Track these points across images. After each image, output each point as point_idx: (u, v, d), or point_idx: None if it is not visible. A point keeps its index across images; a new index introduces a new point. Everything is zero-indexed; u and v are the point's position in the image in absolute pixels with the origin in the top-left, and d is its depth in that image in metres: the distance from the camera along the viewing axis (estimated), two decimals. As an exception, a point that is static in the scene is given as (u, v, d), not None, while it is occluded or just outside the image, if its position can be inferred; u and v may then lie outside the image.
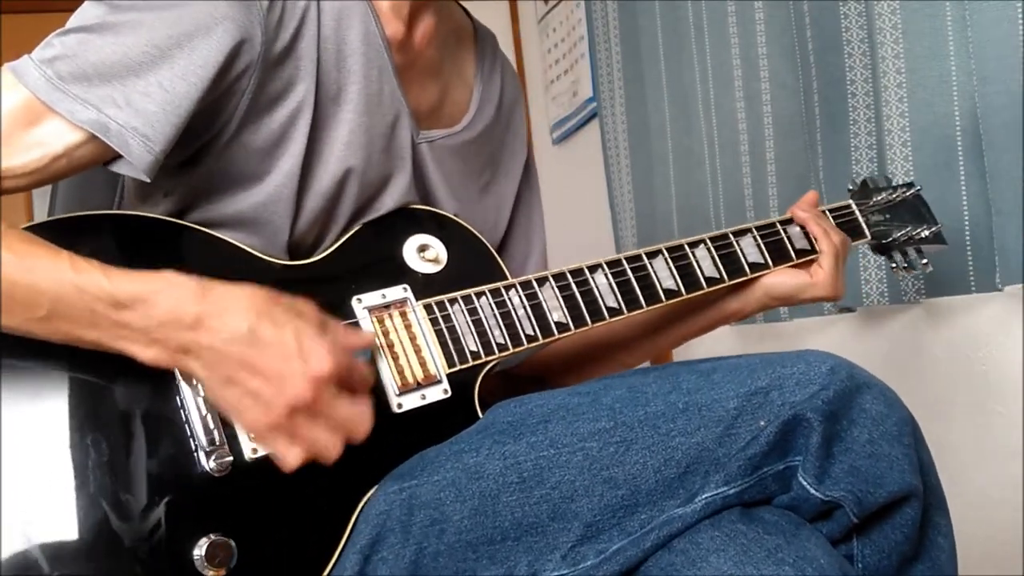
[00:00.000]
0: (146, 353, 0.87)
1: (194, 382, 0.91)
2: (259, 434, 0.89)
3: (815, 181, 1.93)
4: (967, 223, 1.59)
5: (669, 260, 1.17)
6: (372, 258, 1.09)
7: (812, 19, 1.90)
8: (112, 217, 1.01)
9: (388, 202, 1.12)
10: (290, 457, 0.87)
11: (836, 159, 1.87)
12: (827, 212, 1.31)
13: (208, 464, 0.91)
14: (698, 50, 2.31)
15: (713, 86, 2.26)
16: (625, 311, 1.13)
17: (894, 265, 1.36)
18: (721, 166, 2.25)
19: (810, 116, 1.92)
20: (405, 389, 1.01)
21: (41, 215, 0.97)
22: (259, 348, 0.86)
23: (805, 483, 0.92)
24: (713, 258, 1.20)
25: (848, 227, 1.31)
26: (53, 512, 0.86)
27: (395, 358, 1.02)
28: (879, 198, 1.37)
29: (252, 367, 0.86)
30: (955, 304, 1.72)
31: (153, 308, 0.86)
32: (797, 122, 2.01)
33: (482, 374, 1.06)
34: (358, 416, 0.89)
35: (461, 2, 1.29)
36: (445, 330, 1.05)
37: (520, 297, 1.09)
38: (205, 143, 1.02)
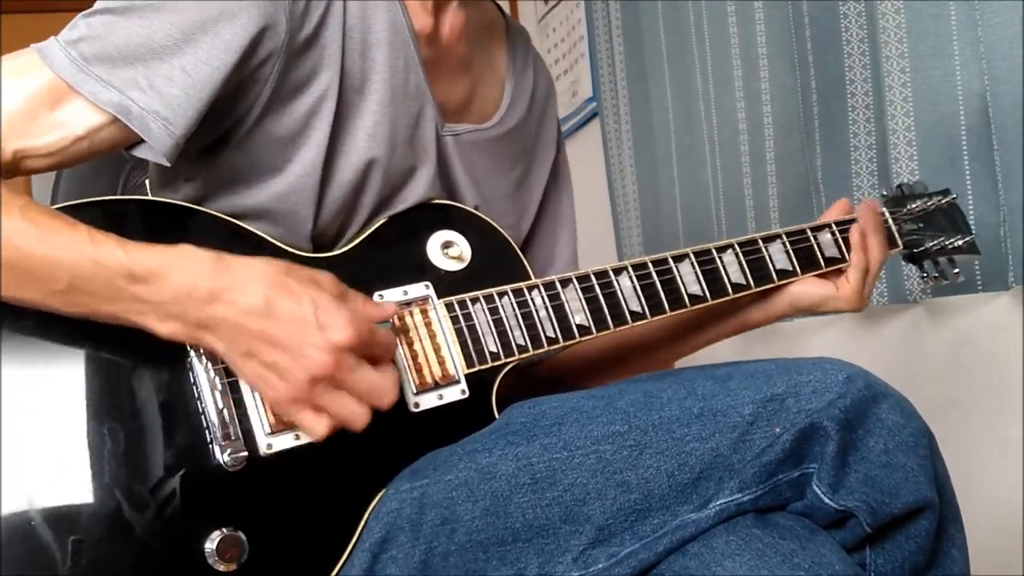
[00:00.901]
0: (163, 327, 0.87)
1: (210, 374, 0.92)
2: (283, 407, 0.90)
3: (813, 180, 1.94)
4: (973, 223, 1.59)
5: (696, 264, 1.15)
6: (395, 253, 1.08)
7: (811, 19, 1.90)
8: (132, 202, 1.01)
9: (412, 194, 1.11)
10: (317, 427, 0.89)
11: (835, 159, 1.88)
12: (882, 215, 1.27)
13: (223, 458, 0.91)
14: (699, 50, 2.32)
15: (714, 85, 2.26)
16: (648, 315, 1.12)
17: (924, 275, 1.33)
18: (722, 165, 2.25)
19: (808, 116, 1.93)
20: (423, 388, 1.01)
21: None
22: (276, 320, 0.86)
23: (819, 492, 0.91)
24: (741, 264, 1.18)
25: None
26: (67, 500, 0.86)
27: (414, 356, 1.02)
28: (913, 206, 1.33)
29: (270, 339, 0.86)
30: (955, 304, 1.73)
31: (168, 282, 0.86)
32: (796, 122, 2.01)
33: (500, 375, 1.05)
34: (382, 383, 0.90)
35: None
36: (465, 329, 1.04)
37: (543, 298, 1.08)
38: (227, 130, 1.02)
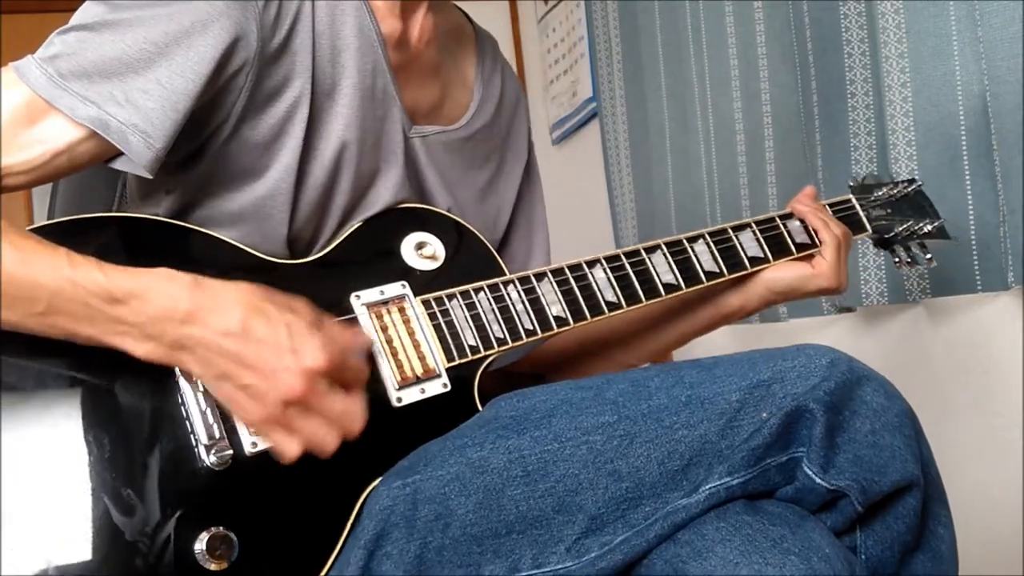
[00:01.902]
0: (141, 348, 0.88)
1: (193, 377, 0.92)
2: (255, 427, 0.91)
3: (814, 181, 1.94)
4: (972, 222, 1.59)
5: (668, 255, 1.17)
6: (370, 255, 1.09)
7: (811, 19, 1.91)
8: (111, 220, 1.02)
9: (382, 195, 1.13)
10: (288, 449, 0.89)
11: (835, 159, 1.88)
12: (827, 206, 1.31)
13: (208, 458, 0.91)
14: (696, 50, 2.32)
15: (711, 86, 2.27)
16: (624, 305, 1.13)
17: (897, 260, 1.36)
18: (719, 166, 2.25)
19: (809, 116, 1.93)
20: (404, 383, 1.02)
21: (41, 216, 0.98)
22: (251, 343, 0.87)
23: (810, 473, 0.92)
24: (712, 252, 1.20)
25: (849, 221, 1.30)
26: (55, 507, 0.86)
27: (394, 353, 1.02)
28: (880, 193, 1.37)
29: (244, 362, 0.87)
30: (955, 304, 1.73)
31: (146, 303, 0.86)
32: (796, 122, 2.01)
33: (481, 368, 1.06)
34: (352, 410, 0.90)
35: (461, 2, 1.29)
36: (443, 324, 1.05)
37: (519, 292, 1.09)
38: (204, 140, 1.03)
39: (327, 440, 0.89)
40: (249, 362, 0.87)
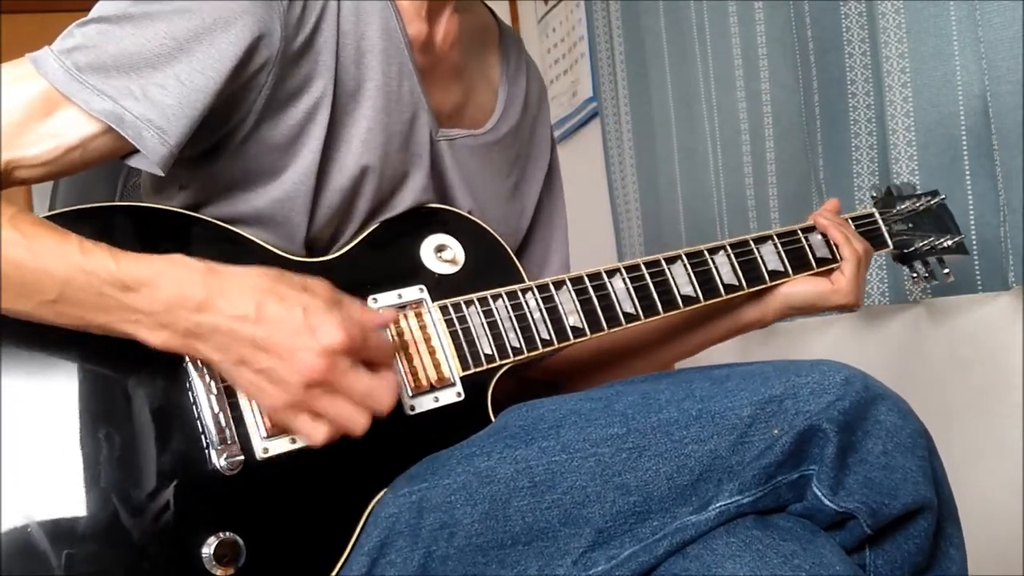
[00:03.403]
0: (155, 337, 0.87)
1: (206, 378, 0.91)
2: (280, 415, 0.89)
3: (815, 181, 1.93)
4: (972, 222, 1.60)
5: (688, 266, 1.16)
6: (389, 257, 1.09)
7: (812, 19, 1.90)
8: (127, 208, 1.01)
9: (405, 199, 1.11)
10: (316, 434, 0.87)
11: (836, 158, 1.88)
12: (849, 220, 1.29)
13: (219, 462, 0.91)
14: (700, 50, 2.31)
15: (715, 86, 2.26)
16: (642, 317, 1.12)
17: (915, 275, 1.35)
18: (724, 166, 2.25)
19: (810, 116, 1.93)
20: (418, 391, 1.01)
21: (41, 214, 0.97)
22: (266, 326, 0.86)
23: (819, 493, 0.91)
24: (733, 265, 1.19)
25: (870, 236, 1.29)
26: (63, 506, 0.86)
27: (409, 359, 1.02)
28: (903, 207, 1.35)
29: (261, 345, 0.86)
30: (955, 304, 1.73)
31: (159, 291, 0.85)
32: (797, 122, 2.01)
33: (496, 377, 1.05)
34: (380, 387, 0.89)
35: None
36: (460, 332, 1.04)
37: (536, 300, 1.08)
38: (222, 138, 1.02)
39: (356, 420, 0.87)
40: (265, 344, 0.85)
